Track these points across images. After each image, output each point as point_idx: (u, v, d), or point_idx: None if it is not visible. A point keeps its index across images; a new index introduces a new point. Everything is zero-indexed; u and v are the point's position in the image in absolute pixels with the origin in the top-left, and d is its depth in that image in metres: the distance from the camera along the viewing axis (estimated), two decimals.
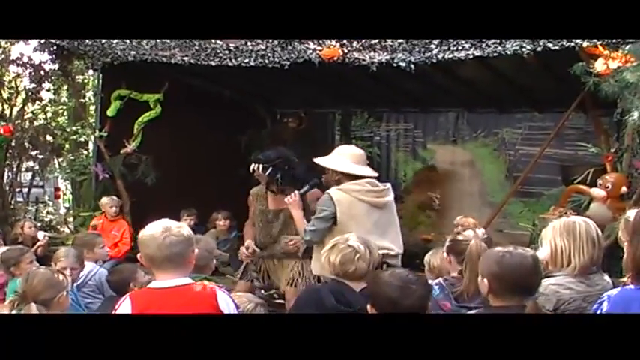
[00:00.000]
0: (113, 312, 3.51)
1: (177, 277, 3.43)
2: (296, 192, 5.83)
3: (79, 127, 11.29)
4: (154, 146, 9.30)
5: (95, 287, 5.96)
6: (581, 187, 6.59)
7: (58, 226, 11.08)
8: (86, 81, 13.48)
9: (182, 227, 3.51)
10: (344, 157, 5.60)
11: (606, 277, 3.92)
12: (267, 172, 6.18)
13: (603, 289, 3.64)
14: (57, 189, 15.15)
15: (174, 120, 9.44)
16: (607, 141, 6.88)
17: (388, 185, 5.58)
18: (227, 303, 3.49)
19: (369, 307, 3.57)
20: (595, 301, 3.30)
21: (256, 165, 6.22)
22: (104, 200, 8.69)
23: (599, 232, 3.89)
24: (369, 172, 5.56)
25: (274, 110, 12.23)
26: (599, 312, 3.12)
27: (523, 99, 9.99)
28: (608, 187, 6.09)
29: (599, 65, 5.75)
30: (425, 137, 11.45)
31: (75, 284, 5.32)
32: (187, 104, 9.60)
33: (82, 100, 12.84)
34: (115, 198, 8.72)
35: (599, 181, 6.22)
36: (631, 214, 3.23)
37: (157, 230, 3.42)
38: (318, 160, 5.68)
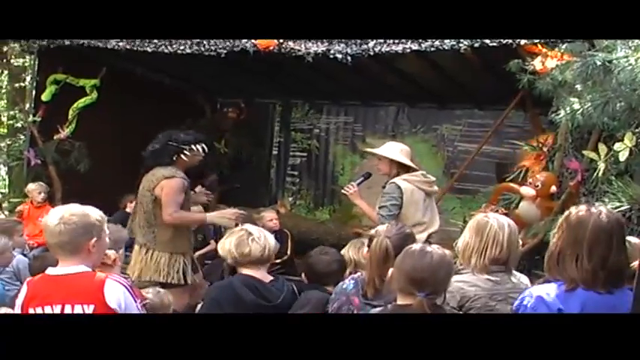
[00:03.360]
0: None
1: (73, 265, 3.35)
2: (353, 183, 6.36)
3: (16, 112, 11.06)
4: (89, 133, 9.07)
5: (12, 274, 5.90)
6: (512, 185, 6.60)
7: None
8: (26, 65, 13.19)
9: (77, 215, 3.39)
10: (400, 152, 6.24)
11: (519, 277, 3.88)
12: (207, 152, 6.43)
13: (514, 287, 3.66)
14: None
15: (110, 107, 9.24)
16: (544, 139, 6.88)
17: (434, 178, 6.42)
18: (117, 294, 3.32)
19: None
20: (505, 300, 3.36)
21: (200, 145, 6.36)
22: (31, 186, 8.47)
23: (513, 234, 3.83)
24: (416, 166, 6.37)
25: (214, 99, 12.07)
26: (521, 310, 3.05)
27: (464, 95, 9.97)
28: (538, 185, 6.10)
29: (537, 63, 5.74)
30: (364, 131, 11.42)
31: None
32: (125, 91, 9.34)
33: (22, 84, 12.59)
34: (42, 184, 8.50)
35: (530, 180, 6.24)
36: (574, 210, 3.12)
37: (53, 217, 3.38)
38: (383, 152, 6.23)
